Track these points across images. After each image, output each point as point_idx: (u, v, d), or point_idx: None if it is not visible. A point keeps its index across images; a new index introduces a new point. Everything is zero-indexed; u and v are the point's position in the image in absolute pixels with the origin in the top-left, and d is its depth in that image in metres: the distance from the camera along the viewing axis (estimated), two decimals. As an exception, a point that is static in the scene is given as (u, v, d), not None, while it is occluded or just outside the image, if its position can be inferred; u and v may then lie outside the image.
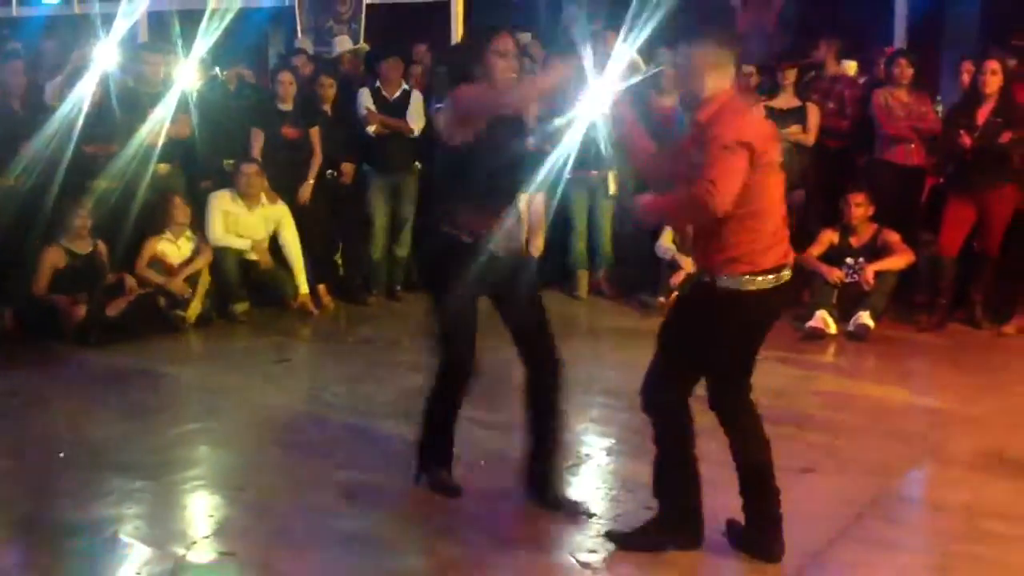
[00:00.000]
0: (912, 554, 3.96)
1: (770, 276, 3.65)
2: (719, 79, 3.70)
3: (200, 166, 8.15)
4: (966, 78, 7.95)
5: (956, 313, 7.69)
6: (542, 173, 8.19)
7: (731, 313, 3.68)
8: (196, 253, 7.76)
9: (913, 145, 8.10)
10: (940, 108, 8.59)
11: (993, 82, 7.38)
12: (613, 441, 5.19)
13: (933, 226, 7.83)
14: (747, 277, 3.61)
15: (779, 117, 7.94)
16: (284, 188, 8.18)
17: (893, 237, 7.65)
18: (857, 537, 4.02)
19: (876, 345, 7.19)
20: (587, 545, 3.97)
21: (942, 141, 7.83)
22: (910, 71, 8.21)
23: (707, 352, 3.79)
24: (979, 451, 5.01)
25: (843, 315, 7.45)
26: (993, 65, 7.43)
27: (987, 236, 7.58)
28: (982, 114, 7.44)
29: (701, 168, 3.52)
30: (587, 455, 4.97)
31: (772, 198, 3.69)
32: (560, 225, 8.63)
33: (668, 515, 3.90)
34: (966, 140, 7.40)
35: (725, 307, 3.67)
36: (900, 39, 9.97)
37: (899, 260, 7.58)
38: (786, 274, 3.71)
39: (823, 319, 7.31)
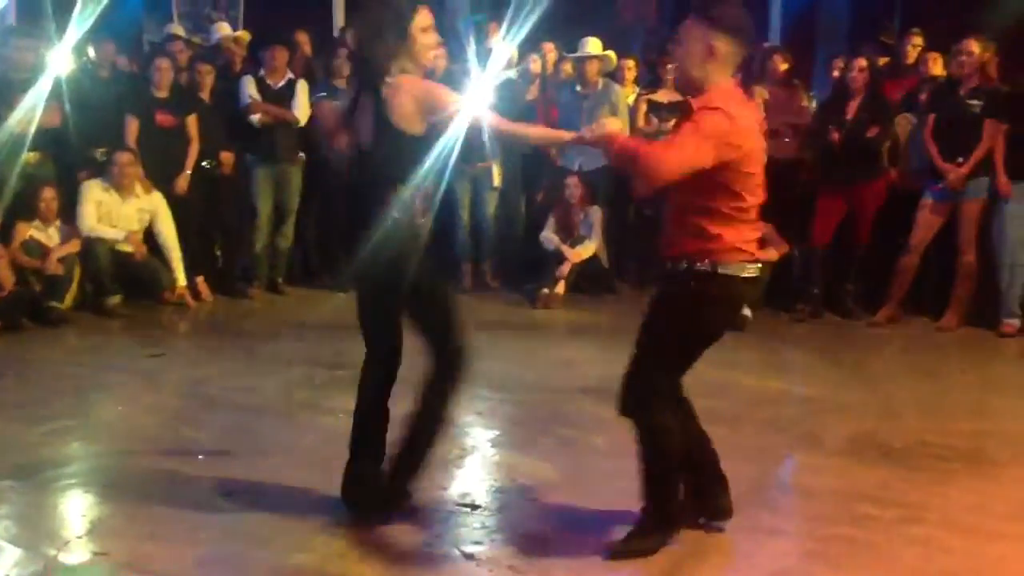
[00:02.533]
0: (788, 539, 4.04)
1: None
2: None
3: (73, 154, 7.91)
4: (836, 74, 8.18)
5: (829, 303, 7.91)
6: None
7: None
8: (65, 242, 7.56)
9: (787, 139, 8.31)
10: (814, 103, 8.83)
11: (860, 78, 7.63)
12: (498, 433, 5.20)
13: (807, 219, 8.04)
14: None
15: (660, 111, 8.04)
16: (160, 177, 8.00)
17: (768, 229, 7.81)
18: (735, 524, 4.08)
19: (752, 335, 7.34)
20: (472, 537, 3.95)
21: (813, 136, 8.06)
22: (784, 66, 8.44)
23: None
24: (851, 437, 5.15)
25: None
26: (861, 62, 7.69)
27: (857, 228, 7.82)
28: (851, 109, 7.67)
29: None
30: (472, 447, 4.96)
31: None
32: (444, 217, 8.60)
33: (655, 516, 3.84)
34: (835, 136, 7.63)
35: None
36: (775, 35, 10.22)
37: (774, 252, 7.76)
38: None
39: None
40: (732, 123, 3.54)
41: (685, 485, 4.00)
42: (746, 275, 3.68)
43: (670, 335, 3.73)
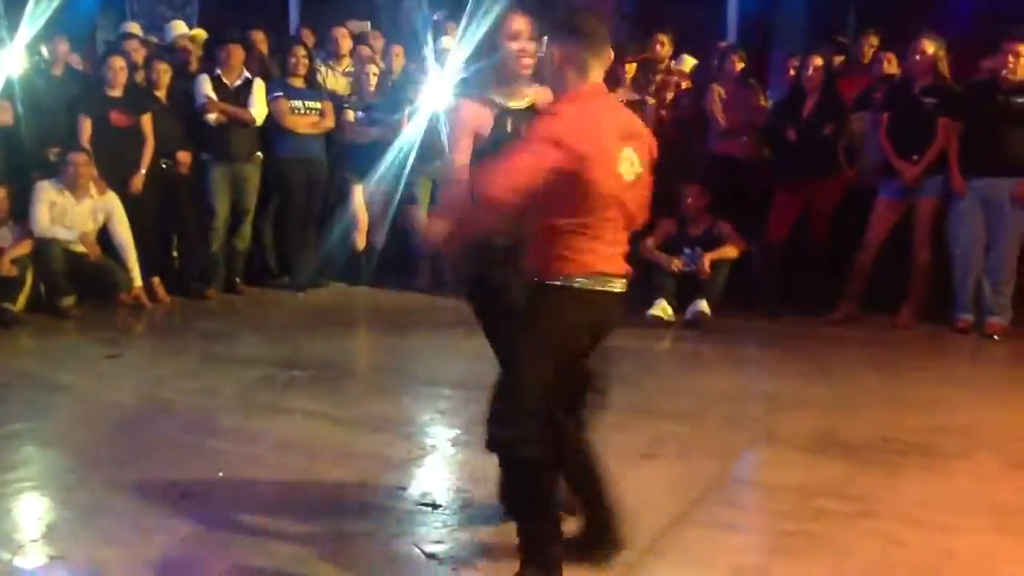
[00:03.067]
0: (750, 535, 4.07)
1: None
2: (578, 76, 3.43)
3: (25, 155, 7.82)
4: (792, 73, 8.23)
5: (786, 301, 7.97)
6: (383, 165, 8.13)
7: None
8: (17, 242, 7.47)
9: (745, 138, 8.36)
10: (769, 103, 8.88)
11: (816, 77, 7.69)
12: (459, 432, 5.17)
13: (765, 217, 8.10)
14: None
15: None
16: (115, 177, 7.92)
17: (727, 227, 7.88)
18: (697, 520, 4.10)
19: (712, 332, 7.39)
20: (432, 536, 3.94)
21: (769, 134, 8.12)
22: (740, 65, 8.49)
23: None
24: (811, 433, 5.18)
25: (680, 304, 7.63)
26: (816, 61, 7.75)
27: (814, 226, 7.88)
28: (807, 107, 7.74)
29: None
30: (432, 446, 4.95)
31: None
32: (403, 216, 8.59)
33: (536, 562, 3.44)
34: (791, 134, 7.69)
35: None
36: (732, 34, 10.28)
37: (733, 249, 7.81)
38: None
39: (662, 308, 7.48)
40: (565, 124, 3.27)
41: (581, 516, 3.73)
42: (601, 288, 3.37)
43: (532, 355, 3.35)
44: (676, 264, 7.71)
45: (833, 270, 7.97)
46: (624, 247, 3.49)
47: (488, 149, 3.65)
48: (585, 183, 3.29)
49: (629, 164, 3.39)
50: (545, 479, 3.43)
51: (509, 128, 3.71)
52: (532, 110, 3.77)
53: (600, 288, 3.38)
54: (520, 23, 3.74)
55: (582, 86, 3.45)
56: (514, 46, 3.73)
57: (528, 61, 3.77)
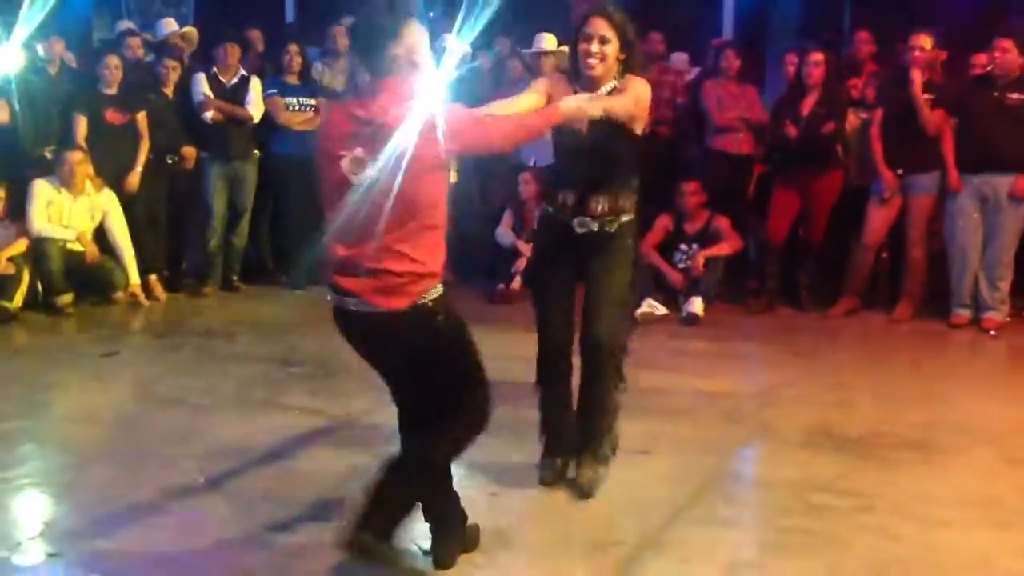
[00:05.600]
0: (746, 531, 4.07)
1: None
2: None
3: (21, 153, 7.81)
4: (791, 70, 8.22)
5: (782, 296, 7.97)
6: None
7: None
8: (13, 240, 7.47)
9: (742, 135, 8.36)
10: (765, 100, 8.87)
11: (816, 73, 7.65)
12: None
13: (761, 213, 8.10)
14: None
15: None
16: (111, 176, 7.91)
17: (724, 224, 7.88)
18: (693, 517, 4.10)
19: (708, 329, 7.39)
20: (428, 531, 3.92)
21: (769, 131, 8.10)
22: (737, 62, 8.48)
23: None
24: (807, 428, 5.19)
25: (675, 300, 7.67)
26: (817, 57, 7.69)
27: (811, 223, 7.88)
28: (807, 105, 7.70)
29: None
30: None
31: None
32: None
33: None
34: (792, 131, 7.67)
35: None
36: (728, 32, 10.28)
37: (728, 246, 7.82)
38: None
39: (650, 304, 7.48)
40: None
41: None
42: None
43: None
44: (677, 279, 7.74)
45: (829, 265, 7.98)
46: None
47: (556, 137, 4.04)
48: None
49: None
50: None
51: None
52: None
53: None
54: (596, 25, 3.98)
55: None
56: (584, 47, 3.98)
57: (592, 62, 3.95)
